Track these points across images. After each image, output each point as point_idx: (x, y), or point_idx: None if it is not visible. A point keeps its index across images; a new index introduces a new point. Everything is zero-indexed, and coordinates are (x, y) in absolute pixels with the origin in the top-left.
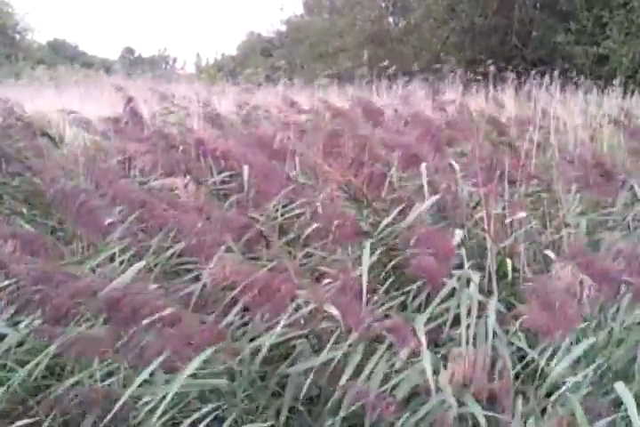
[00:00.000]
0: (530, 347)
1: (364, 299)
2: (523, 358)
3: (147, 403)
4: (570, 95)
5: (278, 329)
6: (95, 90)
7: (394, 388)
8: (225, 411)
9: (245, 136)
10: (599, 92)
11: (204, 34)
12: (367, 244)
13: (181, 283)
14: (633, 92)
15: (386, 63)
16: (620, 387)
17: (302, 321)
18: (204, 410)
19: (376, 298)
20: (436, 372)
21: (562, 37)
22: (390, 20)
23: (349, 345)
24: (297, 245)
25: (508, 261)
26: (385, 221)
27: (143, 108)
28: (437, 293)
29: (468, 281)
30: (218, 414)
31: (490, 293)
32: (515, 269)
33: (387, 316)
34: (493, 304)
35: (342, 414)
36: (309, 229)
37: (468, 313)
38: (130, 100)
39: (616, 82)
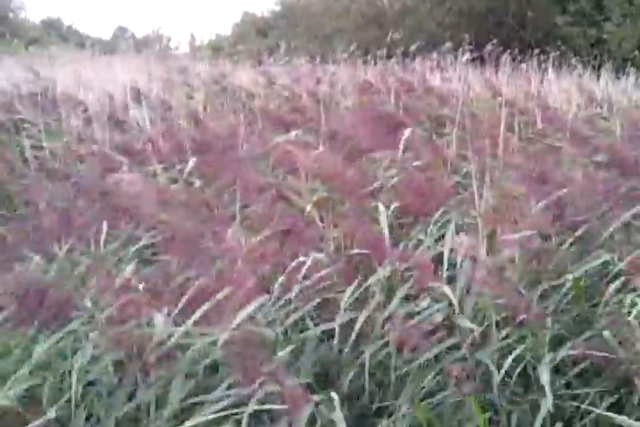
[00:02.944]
0: None
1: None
2: None
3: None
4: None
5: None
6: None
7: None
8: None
9: None
10: (594, 74)
11: (198, 13)
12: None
13: None
14: (628, 75)
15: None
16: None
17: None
18: None
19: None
20: None
21: (561, 19)
22: (385, 1)
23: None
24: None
25: None
26: None
27: None
28: None
29: None
30: None
31: None
32: None
33: None
34: None
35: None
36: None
37: None
38: None
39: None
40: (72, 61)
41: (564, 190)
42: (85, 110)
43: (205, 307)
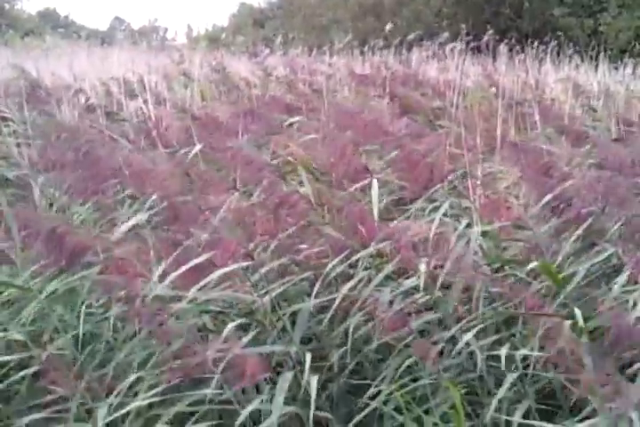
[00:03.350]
0: None
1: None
2: None
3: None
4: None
5: None
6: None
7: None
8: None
9: None
10: (591, 64)
11: (195, 4)
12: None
13: None
14: (625, 65)
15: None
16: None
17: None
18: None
19: None
20: None
21: (558, 10)
22: None
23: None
24: None
25: None
26: None
27: None
28: None
29: None
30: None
31: None
32: None
33: None
34: None
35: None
36: None
37: None
38: None
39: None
40: (68, 53)
41: (564, 185)
42: (86, 100)
43: (184, 268)
